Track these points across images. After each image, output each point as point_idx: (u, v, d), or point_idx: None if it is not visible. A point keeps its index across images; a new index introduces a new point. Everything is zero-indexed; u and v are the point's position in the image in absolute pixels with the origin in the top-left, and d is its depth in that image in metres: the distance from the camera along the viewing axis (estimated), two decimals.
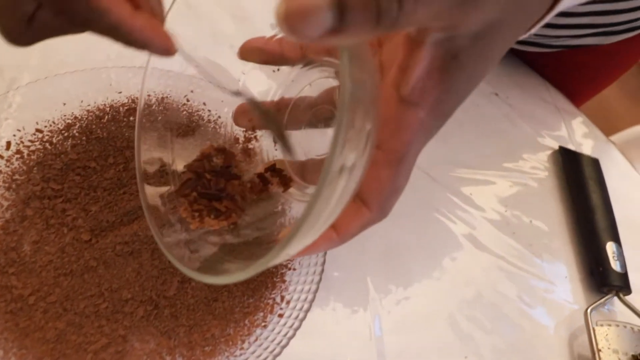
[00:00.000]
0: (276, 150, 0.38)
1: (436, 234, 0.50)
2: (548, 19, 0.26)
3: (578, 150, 0.64)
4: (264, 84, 0.40)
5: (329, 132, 0.33)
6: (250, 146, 0.43)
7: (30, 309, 0.34)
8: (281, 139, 0.34)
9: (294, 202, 0.37)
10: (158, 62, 0.37)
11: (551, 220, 0.56)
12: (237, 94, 0.32)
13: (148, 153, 0.37)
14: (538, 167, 0.60)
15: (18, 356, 0.32)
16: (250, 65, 0.37)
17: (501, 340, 0.45)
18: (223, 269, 0.32)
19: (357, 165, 0.22)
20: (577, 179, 0.58)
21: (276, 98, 0.38)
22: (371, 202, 0.27)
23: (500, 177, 0.58)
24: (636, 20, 0.58)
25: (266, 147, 0.42)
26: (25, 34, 0.24)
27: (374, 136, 0.23)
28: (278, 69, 0.37)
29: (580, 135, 0.67)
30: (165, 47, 0.25)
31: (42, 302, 0.35)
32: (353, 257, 0.45)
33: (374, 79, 0.22)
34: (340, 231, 0.27)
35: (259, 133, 0.42)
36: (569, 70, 0.69)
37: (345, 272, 0.44)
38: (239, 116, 0.38)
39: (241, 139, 0.43)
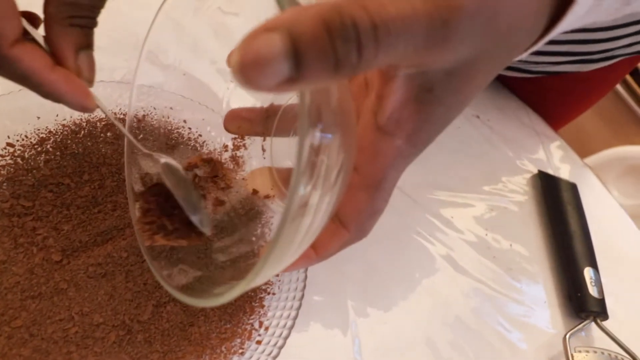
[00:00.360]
0: (264, 158, 0.37)
1: (416, 256, 0.50)
2: (540, 45, 0.26)
3: (556, 174, 0.65)
4: (250, 99, 0.39)
5: None
6: (239, 154, 0.42)
7: None
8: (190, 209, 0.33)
9: (277, 216, 0.36)
10: (144, 78, 0.36)
11: (531, 244, 0.56)
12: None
13: (135, 170, 0.36)
14: (518, 190, 0.61)
15: None
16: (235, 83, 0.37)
17: None
18: (205, 289, 0.31)
19: (329, 193, 0.22)
20: (556, 203, 0.58)
21: (266, 104, 0.37)
22: (349, 224, 0.27)
23: (480, 200, 0.58)
24: (612, 49, 0.60)
25: (255, 154, 0.40)
26: None
27: (348, 163, 0.23)
28: None
29: (558, 159, 0.68)
30: (80, 103, 0.26)
31: (7, 326, 0.33)
32: (333, 280, 0.44)
33: (344, 103, 0.22)
34: (319, 251, 0.27)
35: (247, 141, 0.41)
36: (548, 95, 0.70)
37: (324, 295, 0.43)
38: (229, 121, 0.36)
39: (230, 147, 0.42)
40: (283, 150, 0.33)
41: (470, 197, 0.57)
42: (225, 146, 0.41)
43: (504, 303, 0.50)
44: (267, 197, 0.33)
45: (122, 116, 0.44)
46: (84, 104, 0.26)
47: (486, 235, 0.55)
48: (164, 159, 0.33)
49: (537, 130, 0.69)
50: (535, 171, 0.64)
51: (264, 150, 0.35)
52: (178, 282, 0.32)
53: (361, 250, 0.47)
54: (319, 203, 0.21)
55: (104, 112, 0.29)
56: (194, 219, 0.33)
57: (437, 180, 0.57)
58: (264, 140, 0.34)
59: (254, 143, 0.38)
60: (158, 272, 0.31)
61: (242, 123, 0.32)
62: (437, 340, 0.45)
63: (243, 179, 0.36)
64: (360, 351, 0.41)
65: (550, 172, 0.64)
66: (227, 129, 0.33)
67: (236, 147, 0.41)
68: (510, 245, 0.55)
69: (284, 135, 0.34)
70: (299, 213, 0.19)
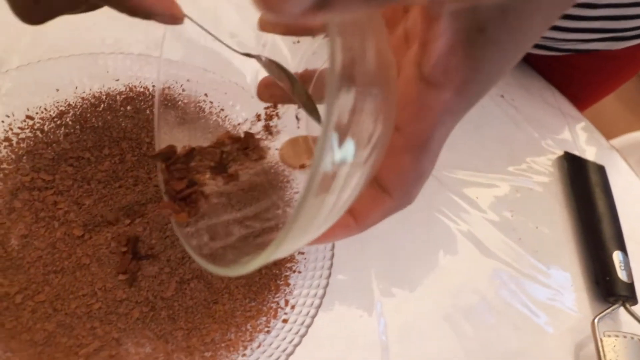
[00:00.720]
0: (299, 127, 0.35)
1: (440, 236, 0.49)
2: None
3: (582, 156, 0.63)
4: (284, 57, 0.37)
5: None
6: (272, 124, 0.40)
7: (17, 308, 0.32)
8: (309, 106, 0.30)
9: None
10: (166, 52, 0.35)
11: (557, 226, 0.55)
12: (258, 58, 0.29)
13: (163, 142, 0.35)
14: (543, 171, 0.59)
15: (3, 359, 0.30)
16: (270, 37, 0.35)
17: (505, 347, 0.44)
18: (232, 260, 0.30)
19: (365, 159, 0.20)
20: (583, 185, 0.57)
21: (300, 70, 0.35)
22: (393, 190, 0.24)
23: (504, 180, 0.56)
24: None
25: (289, 123, 0.39)
26: (35, 13, 0.22)
27: (388, 123, 0.21)
28: (299, 41, 0.34)
29: (584, 140, 0.66)
30: (171, 13, 0.23)
31: (30, 301, 0.32)
32: (357, 260, 0.43)
33: (383, 56, 0.20)
34: (360, 219, 0.25)
35: (281, 110, 0.40)
36: (574, 75, 0.68)
37: (348, 274, 0.42)
38: (263, 89, 0.34)
39: (263, 116, 0.41)
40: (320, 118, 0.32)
41: (494, 178, 0.56)
42: (258, 116, 0.40)
43: (530, 285, 0.49)
44: (302, 166, 0.32)
45: (142, 89, 0.43)
46: (175, 14, 0.24)
47: (511, 216, 0.53)
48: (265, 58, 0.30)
49: (562, 111, 0.67)
50: (561, 152, 0.62)
51: (298, 119, 0.34)
52: (205, 252, 0.31)
53: (385, 230, 0.46)
54: (351, 171, 0.19)
55: (192, 20, 0.26)
56: (309, 113, 0.31)
57: (461, 160, 0.55)
58: (299, 108, 0.33)
59: (287, 112, 0.37)
60: (186, 240, 0.30)
61: (275, 90, 0.30)
62: (461, 320, 0.44)
63: (277, 149, 0.35)
64: (385, 332, 0.40)
65: (576, 153, 0.62)
66: (261, 98, 0.31)
67: (269, 117, 0.39)
68: (537, 227, 0.53)
69: (320, 101, 0.32)
70: (325, 185, 0.17)
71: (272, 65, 0.30)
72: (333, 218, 0.21)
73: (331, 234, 0.24)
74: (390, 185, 0.25)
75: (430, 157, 0.24)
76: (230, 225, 0.34)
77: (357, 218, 0.25)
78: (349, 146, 0.19)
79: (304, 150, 0.31)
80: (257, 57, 0.29)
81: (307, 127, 0.32)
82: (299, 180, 0.39)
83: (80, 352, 0.32)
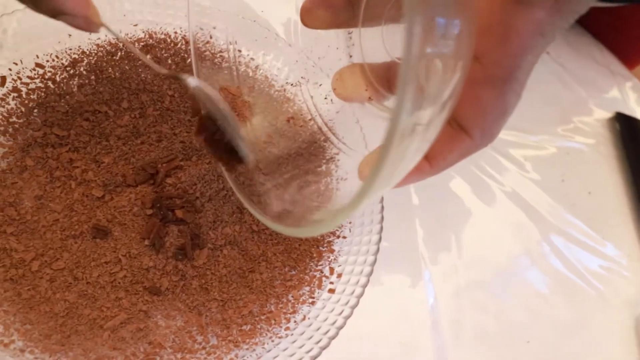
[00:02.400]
0: (351, 57, 0.30)
1: (488, 200, 0.45)
2: None
3: (633, 116, 0.58)
4: None
5: None
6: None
7: (34, 276, 0.28)
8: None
9: (371, 119, 0.30)
10: None
11: (610, 192, 0.50)
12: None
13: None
14: (592, 133, 0.55)
15: (22, 332, 0.26)
16: None
17: (558, 317, 0.40)
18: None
19: (447, 94, 0.17)
20: (638, 147, 0.52)
21: None
22: (472, 128, 0.21)
23: (553, 142, 0.52)
24: None
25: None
26: None
27: (468, 51, 0.17)
28: None
29: (634, 100, 0.61)
30: (83, 13, 0.21)
31: (48, 268, 0.29)
32: (401, 226, 0.39)
33: None
34: (435, 161, 0.22)
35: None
36: (624, 29, 0.63)
37: (394, 241, 0.38)
38: (307, 14, 0.26)
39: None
40: (374, 44, 0.27)
41: (543, 140, 0.51)
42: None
43: (584, 254, 0.45)
44: (361, 99, 0.28)
45: (162, 36, 0.38)
46: (86, 14, 0.21)
47: (562, 181, 0.49)
48: (195, 82, 0.27)
49: (611, 70, 0.62)
50: (610, 113, 0.57)
51: (349, 46, 0.29)
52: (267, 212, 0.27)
53: (429, 193, 0.42)
54: (433, 109, 0.16)
55: (111, 33, 0.23)
56: (236, 144, 0.28)
57: (509, 120, 0.50)
58: (350, 33, 0.28)
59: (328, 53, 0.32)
60: (247, 199, 0.26)
61: (322, 12, 0.26)
62: (511, 289, 0.40)
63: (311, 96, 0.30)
64: (435, 302, 0.37)
65: (627, 114, 0.57)
66: (305, 23, 0.27)
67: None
68: (589, 192, 0.49)
69: (374, 23, 0.27)
70: (409, 124, 0.15)
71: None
72: (414, 162, 0.18)
73: (405, 179, 0.21)
74: (469, 123, 0.21)
75: (515, 89, 0.21)
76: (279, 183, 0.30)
77: (431, 160, 0.22)
78: (433, 80, 0.16)
79: (362, 79, 0.27)
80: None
81: (363, 53, 0.28)
82: (341, 135, 0.35)
83: (105, 325, 0.28)
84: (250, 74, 0.38)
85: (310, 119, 0.35)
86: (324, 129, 0.34)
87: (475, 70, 0.20)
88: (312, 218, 0.20)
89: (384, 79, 0.27)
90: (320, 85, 0.34)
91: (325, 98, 0.35)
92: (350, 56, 0.29)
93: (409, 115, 0.14)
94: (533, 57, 0.21)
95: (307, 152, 0.35)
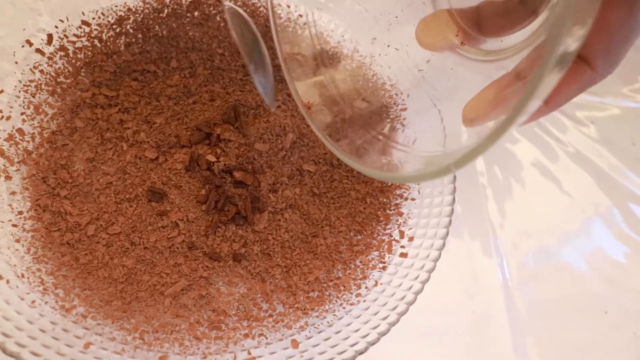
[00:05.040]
0: (424, 3, 0.27)
1: (557, 164, 0.41)
2: None
3: None
4: None
5: None
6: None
7: (90, 241, 0.27)
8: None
9: (465, 65, 0.27)
10: None
11: None
12: None
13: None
14: None
15: (82, 297, 0.25)
16: None
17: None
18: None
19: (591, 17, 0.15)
20: None
21: None
22: (594, 57, 0.19)
23: (619, 103, 0.48)
24: None
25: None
26: None
27: None
28: None
29: None
30: None
31: (104, 233, 0.27)
32: (470, 189, 0.37)
33: None
34: (550, 98, 0.19)
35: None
36: None
37: (463, 206, 0.35)
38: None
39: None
40: None
41: (609, 100, 0.47)
42: None
43: None
44: (450, 47, 0.25)
45: None
46: None
47: (633, 144, 0.45)
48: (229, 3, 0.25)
49: None
50: None
51: None
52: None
53: (494, 156, 0.39)
54: (584, 30, 0.14)
55: None
56: (256, 79, 0.26)
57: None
58: None
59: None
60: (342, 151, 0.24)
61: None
62: (589, 260, 0.37)
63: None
64: (508, 273, 0.34)
65: None
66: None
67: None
68: None
69: None
70: (561, 50, 0.13)
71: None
72: (544, 95, 0.16)
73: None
74: (591, 52, 0.19)
75: None
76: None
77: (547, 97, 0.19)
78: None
79: (452, 24, 0.25)
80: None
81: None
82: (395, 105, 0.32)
83: (165, 291, 0.27)
84: (300, 32, 0.36)
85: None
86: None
87: None
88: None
89: (475, 22, 0.25)
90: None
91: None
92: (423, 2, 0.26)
93: (567, 36, 0.13)
94: None
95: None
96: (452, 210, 0.29)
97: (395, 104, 0.34)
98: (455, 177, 0.30)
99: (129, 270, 0.27)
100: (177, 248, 0.28)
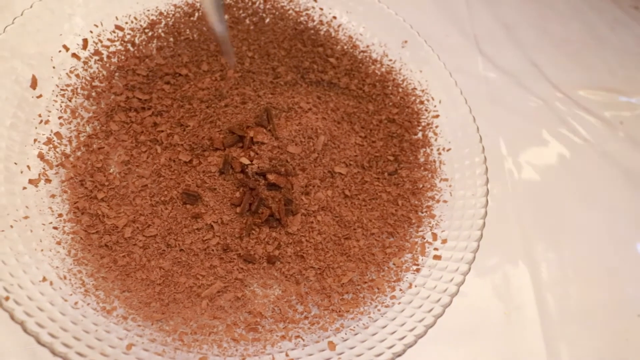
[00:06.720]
0: None
1: (587, 165, 0.41)
2: None
3: None
4: None
5: None
6: None
7: (128, 243, 0.27)
8: None
9: None
10: None
11: None
12: None
13: None
14: None
15: (122, 299, 0.25)
16: None
17: None
18: None
19: None
20: None
21: None
22: None
23: None
24: None
25: None
26: None
27: None
28: None
29: None
30: None
31: (140, 235, 0.28)
32: (502, 190, 0.36)
33: None
34: None
35: None
36: None
37: (496, 207, 0.35)
38: None
39: None
40: None
41: (637, 100, 0.47)
42: None
43: None
44: None
45: None
46: None
47: None
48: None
49: None
50: None
51: None
52: None
53: (524, 156, 0.39)
54: None
55: None
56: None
57: (596, 78, 0.46)
58: None
59: None
60: None
61: None
62: (623, 258, 0.37)
63: None
64: (540, 276, 0.34)
65: None
66: None
67: None
68: None
69: None
70: None
71: None
72: None
73: None
74: None
75: None
76: None
77: None
78: None
79: None
80: None
81: None
82: None
83: (202, 293, 0.27)
84: (333, 33, 0.36)
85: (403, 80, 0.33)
86: None
87: None
88: None
89: None
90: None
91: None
92: None
93: None
94: None
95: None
96: (486, 212, 0.29)
97: (426, 110, 0.34)
98: (487, 179, 0.30)
99: (166, 272, 0.27)
100: (212, 250, 0.28)
